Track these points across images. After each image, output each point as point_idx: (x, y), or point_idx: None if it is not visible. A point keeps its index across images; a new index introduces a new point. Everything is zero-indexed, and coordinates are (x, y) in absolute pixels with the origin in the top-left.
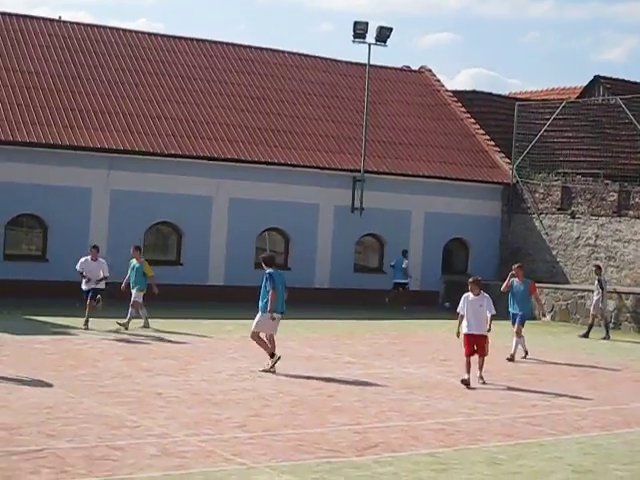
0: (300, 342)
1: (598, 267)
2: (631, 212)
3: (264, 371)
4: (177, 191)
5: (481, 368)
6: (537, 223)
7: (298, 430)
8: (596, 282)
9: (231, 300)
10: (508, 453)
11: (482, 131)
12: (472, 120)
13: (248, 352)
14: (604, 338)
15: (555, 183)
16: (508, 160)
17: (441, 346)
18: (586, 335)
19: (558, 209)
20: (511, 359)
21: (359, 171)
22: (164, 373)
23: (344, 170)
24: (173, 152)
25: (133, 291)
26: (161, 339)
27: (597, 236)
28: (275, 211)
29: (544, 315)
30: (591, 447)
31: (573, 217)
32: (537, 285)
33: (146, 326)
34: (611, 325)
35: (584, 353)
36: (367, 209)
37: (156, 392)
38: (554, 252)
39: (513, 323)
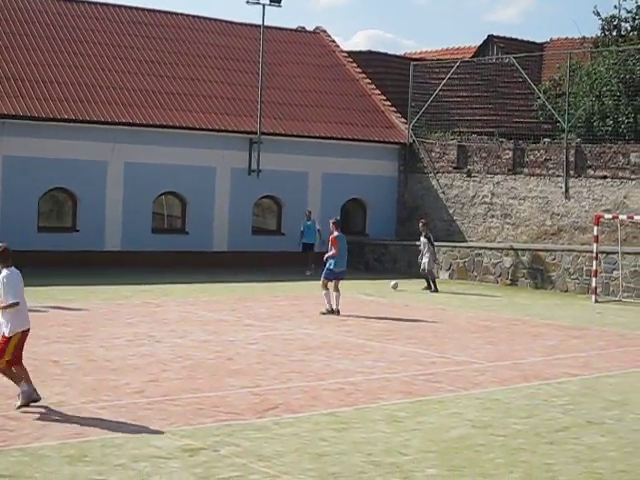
0: (199, 306)
1: (424, 223)
2: (526, 170)
3: None
4: (71, 156)
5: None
6: (434, 182)
7: (197, 394)
8: (422, 239)
9: (128, 265)
10: (408, 410)
11: (378, 91)
12: (368, 80)
13: (146, 317)
14: (428, 289)
15: (451, 142)
16: (404, 120)
17: (340, 306)
18: (435, 289)
19: (454, 168)
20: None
21: (255, 133)
22: (61, 340)
23: (240, 132)
24: (66, 117)
25: None
26: (58, 307)
27: (493, 194)
28: (171, 175)
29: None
30: (490, 402)
31: (469, 176)
32: (436, 244)
33: None
34: (508, 281)
35: (483, 310)
36: (264, 171)
37: (53, 360)
38: (451, 211)
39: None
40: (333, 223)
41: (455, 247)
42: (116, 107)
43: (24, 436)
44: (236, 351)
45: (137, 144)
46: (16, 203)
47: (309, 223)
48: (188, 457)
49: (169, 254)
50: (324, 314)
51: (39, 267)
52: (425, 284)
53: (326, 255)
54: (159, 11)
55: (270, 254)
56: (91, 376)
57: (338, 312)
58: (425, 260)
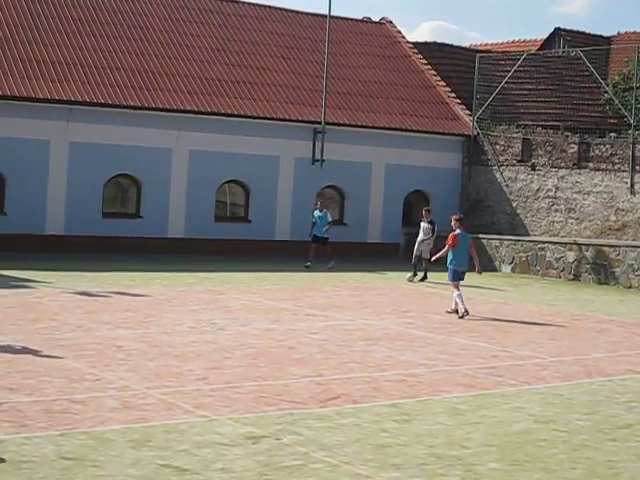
0: (261, 295)
1: (428, 211)
2: (591, 164)
3: None
4: (136, 143)
5: None
6: (497, 175)
7: (260, 382)
8: (427, 225)
9: (191, 252)
10: (470, 404)
11: (443, 83)
12: (433, 72)
13: (209, 304)
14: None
15: (515, 135)
16: (469, 112)
17: (401, 298)
18: (425, 277)
19: (518, 161)
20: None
21: (319, 123)
22: (124, 326)
23: (304, 122)
24: (132, 104)
25: None
26: (121, 292)
27: (557, 188)
28: (235, 163)
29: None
30: (552, 397)
31: (533, 169)
32: (498, 237)
33: None
34: (571, 276)
35: (545, 304)
36: (328, 161)
37: (116, 345)
38: (514, 204)
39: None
40: (456, 220)
41: (518, 241)
42: (181, 94)
43: (89, 420)
44: (298, 340)
45: (202, 132)
46: (81, 189)
47: (321, 214)
48: (251, 445)
49: (232, 242)
50: (449, 313)
51: (103, 252)
52: (412, 273)
53: (436, 256)
54: (224, 0)
55: (332, 244)
56: (154, 362)
57: (457, 312)
58: (424, 247)
